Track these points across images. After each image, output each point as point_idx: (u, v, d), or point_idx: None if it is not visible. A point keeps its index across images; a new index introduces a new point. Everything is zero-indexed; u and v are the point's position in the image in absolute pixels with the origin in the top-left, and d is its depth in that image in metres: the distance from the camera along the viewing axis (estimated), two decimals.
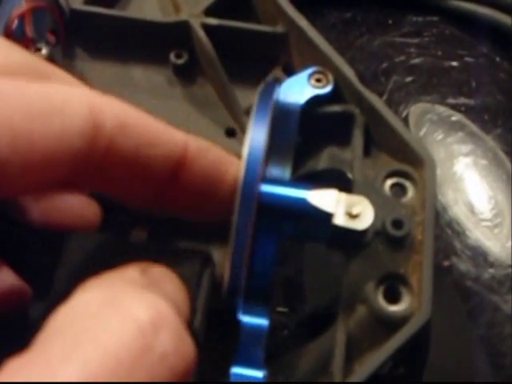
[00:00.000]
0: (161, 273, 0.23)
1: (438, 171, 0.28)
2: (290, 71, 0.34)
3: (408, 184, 0.28)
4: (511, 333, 0.36)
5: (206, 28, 0.34)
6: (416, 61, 0.46)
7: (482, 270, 0.38)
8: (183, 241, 0.28)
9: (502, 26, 0.46)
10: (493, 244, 0.39)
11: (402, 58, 0.46)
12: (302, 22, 0.33)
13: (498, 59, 0.46)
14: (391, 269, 0.26)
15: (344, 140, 0.30)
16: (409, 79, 0.45)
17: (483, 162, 0.42)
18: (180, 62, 0.35)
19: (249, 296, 0.25)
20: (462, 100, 0.44)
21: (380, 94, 0.43)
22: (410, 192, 0.28)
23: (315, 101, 0.30)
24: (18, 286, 0.25)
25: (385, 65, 0.46)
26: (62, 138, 0.20)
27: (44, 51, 0.33)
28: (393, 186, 0.28)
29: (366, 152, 0.30)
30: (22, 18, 0.33)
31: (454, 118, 0.44)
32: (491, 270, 0.38)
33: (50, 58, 0.33)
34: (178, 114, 0.34)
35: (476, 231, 0.39)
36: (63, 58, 0.35)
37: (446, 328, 0.33)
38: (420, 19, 0.48)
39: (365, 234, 0.25)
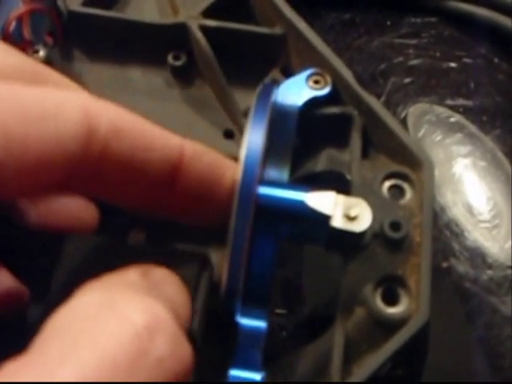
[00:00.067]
0: (162, 275, 0.23)
1: (437, 172, 0.28)
2: (288, 73, 0.34)
3: (406, 186, 0.28)
4: (510, 334, 0.36)
5: (204, 30, 0.34)
6: (414, 62, 0.46)
7: (480, 272, 0.38)
8: (181, 243, 0.28)
9: (501, 27, 0.46)
10: (491, 245, 0.39)
11: (401, 59, 0.46)
12: (300, 24, 0.33)
13: (496, 60, 0.46)
14: (389, 271, 0.26)
15: (342, 142, 0.30)
16: (407, 80, 0.45)
17: (482, 163, 0.42)
18: (178, 63, 0.35)
19: (247, 298, 0.25)
20: (461, 101, 0.44)
21: (378, 96, 0.43)
22: (408, 194, 0.28)
23: (313, 102, 0.30)
24: (16, 288, 0.25)
25: (383, 66, 0.46)
26: (56, 141, 0.20)
27: (42, 53, 0.33)
28: (391, 187, 0.28)
29: (364, 154, 0.30)
30: (19, 19, 0.33)
31: (452, 119, 0.44)
32: (490, 272, 0.38)
33: (48, 60, 0.33)
34: (176, 115, 0.34)
35: (475, 232, 0.39)
36: (61, 59, 0.35)
37: (444, 329, 0.33)
38: (418, 20, 0.48)
39: (363, 236, 0.25)
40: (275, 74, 0.35)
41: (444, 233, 0.39)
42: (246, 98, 0.33)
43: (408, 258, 0.26)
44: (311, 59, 0.32)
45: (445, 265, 0.38)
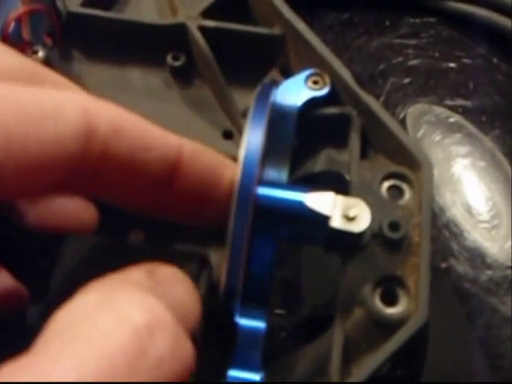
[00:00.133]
0: (169, 274, 0.23)
1: (436, 172, 0.28)
2: (287, 73, 0.34)
3: (405, 186, 0.28)
4: (509, 334, 0.36)
5: (203, 30, 0.34)
6: (413, 62, 0.46)
7: (479, 272, 0.38)
8: (180, 243, 0.28)
9: (500, 27, 0.46)
10: (491, 245, 0.39)
11: (400, 59, 0.46)
12: (299, 24, 0.33)
13: (495, 60, 0.46)
14: (388, 271, 0.26)
15: (341, 142, 0.30)
16: (406, 81, 0.45)
17: (481, 163, 0.42)
18: (177, 64, 0.35)
19: (246, 298, 0.25)
20: (460, 101, 0.44)
21: (377, 96, 0.43)
22: (407, 194, 0.28)
23: (312, 103, 0.30)
24: (15, 288, 0.26)
25: (382, 66, 0.46)
26: (56, 142, 0.20)
27: (41, 54, 0.33)
28: (390, 188, 0.28)
29: (363, 154, 0.30)
30: (18, 20, 0.33)
31: (451, 120, 0.44)
32: (489, 272, 0.38)
33: (47, 61, 0.33)
34: (175, 116, 0.34)
35: (474, 233, 0.39)
36: (60, 60, 0.35)
37: (443, 330, 0.33)
38: (417, 20, 0.48)
39: (361, 237, 0.25)
40: (274, 74, 0.35)
41: (443, 233, 0.39)
42: (245, 99, 0.33)
43: (407, 259, 0.26)
44: (310, 59, 0.32)
45: (444, 265, 0.38)
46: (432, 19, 0.48)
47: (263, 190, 0.25)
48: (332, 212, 0.24)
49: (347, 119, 0.30)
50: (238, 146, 0.25)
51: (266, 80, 0.34)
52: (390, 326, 0.25)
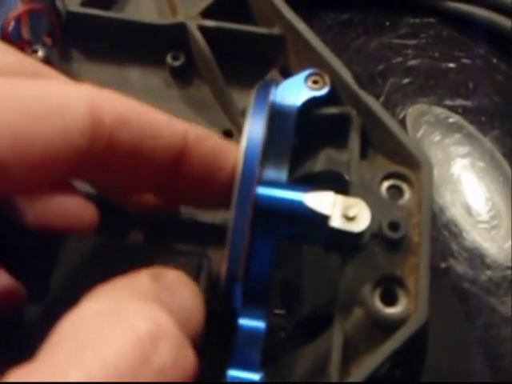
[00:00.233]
0: (174, 278, 0.23)
1: (436, 173, 0.28)
2: (286, 73, 0.34)
3: (405, 186, 0.28)
4: (509, 335, 0.36)
5: (203, 30, 0.34)
6: (413, 62, 0.46)
7: (479, 272, 0.38)
8: (180, 243, 0.28)
9: (499, 27, 0.46)
10: (490, 246, 0.39)
11: (399, 59, 0.46)
12: (299, 24, 0.33)
13: (495, 61, 0.46)
14: (388, 271, 0.26)
15: (341, 142, 0.30)
16: (406, 81, 0.45)
17: (481, 163, 0.42)
18: (177, 63, 0.35)
19: (246, 298, 0.25)
20: (460, 102, 0.44)
21: (377, 96, 0.43)
22: (407, 194, 0.28)
23: (312, 103, 0.30)
24: (14, 287, 0.25)
25: (382, 66, 0.45)
26: (63, 136, 0.20)
27: (40, 53, 0.33)
28: (389, 188, 0.28)
29: (363, 154, 0.30)
30: (18, 20, 0.33)
31: (451, 120, 0.44)
32: (488, 272, 0.38)
33: (47, 60, 0.33)
34: (175, 115, 0.34)
35: (473, 233, 0.39)
36: (59, 59, 0.35)
37: (443, 330, 0.33)
38: (417, 21, 0.48)
39: (361, 237, 0.25)
40: (274, 74, 0.35)
41: (443, 233, 0.39)
42: (244, 98, 0.33)
43: (406, 258, 0.26)
44: (310, 59, 0.32)
45: (443, 265, 0.38)
46: (432, 19, 0.48)
47: (263, 190, 0.25)
48: (332, 212, 0.24)
49: (347, 119, 0.30)
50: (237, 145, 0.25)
51: (266, 79, 0.34)
52: (389, 326, 0.25)
